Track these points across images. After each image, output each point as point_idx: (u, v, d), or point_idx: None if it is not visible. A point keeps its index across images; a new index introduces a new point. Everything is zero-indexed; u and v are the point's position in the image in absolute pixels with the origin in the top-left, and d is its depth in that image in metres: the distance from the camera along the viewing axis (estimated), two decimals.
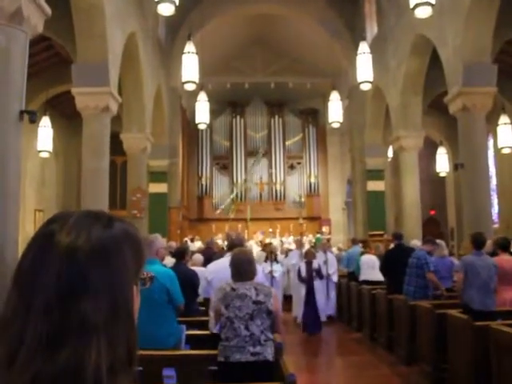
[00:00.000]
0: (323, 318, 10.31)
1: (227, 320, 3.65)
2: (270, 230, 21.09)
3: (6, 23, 6.47)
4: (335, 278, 11.52)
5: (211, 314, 3.78)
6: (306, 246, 13.74)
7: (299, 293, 10.50)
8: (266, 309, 3.62)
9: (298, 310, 10.71)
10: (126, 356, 0.75)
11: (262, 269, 6.73)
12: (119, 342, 0.74)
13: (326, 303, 10.97)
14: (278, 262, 11.57)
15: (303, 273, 10.07)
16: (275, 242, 18.40)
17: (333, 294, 11.49)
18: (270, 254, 11.28)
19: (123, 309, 0.76)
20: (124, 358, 0.75)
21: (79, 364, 0.69)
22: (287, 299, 12.76)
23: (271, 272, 10.84)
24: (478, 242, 6.32)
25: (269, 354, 3.59)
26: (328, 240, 16.75)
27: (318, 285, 10.25)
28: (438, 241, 8.69)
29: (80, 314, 0.71)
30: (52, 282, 0.72)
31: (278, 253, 13.97)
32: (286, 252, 14.31)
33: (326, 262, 11.02)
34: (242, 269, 3.78)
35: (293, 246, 17.47)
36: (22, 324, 0.71)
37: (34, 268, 0.74)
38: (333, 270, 11.35)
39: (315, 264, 10.17)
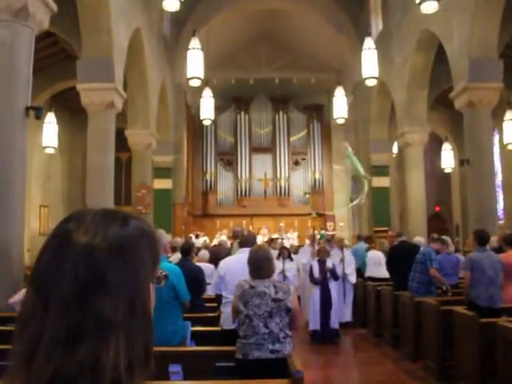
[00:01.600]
0: (336, 325, 8.86)
1: (246, 318, 3.65)
2: (282, 224, 20.66)
3: (12, 19, 6.49)
4: (353, 279, 10.16)
5: (223, 309, 3.79)
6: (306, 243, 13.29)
7: (311, 295, 9.04)
8: (285, 306, 3.63)
9: (309, 314, 9.14)
10: (143, 353, 0.76)
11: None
12: (137, 340, 0.75)
13: (342, 308, 9.57)
14: (291, 259, 9.95)
15: (316, 273, 8.77)
16: (287, 238, 17.81)
17: (350, 297, 10.15)
18: (283, 251, 9.70)
19: (140, 307, 0.77)
20: (141, 356, 0.75)
21: (98, 361, 0.70)
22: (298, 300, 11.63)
23: (284, 271, 9.27)
24: (481, 239, 6.31)
25: (287, 350, 3.60)
26: (333, 236, 16.72)
27: (333, 287, 8.89)
28: (443, 237, 8.66)
29: (98, 312, 0.72)
30: (70, 281, 0.72)
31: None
32: (295, 249, 13.32)
33: (342, 261, 9.84)
34: (261, 266, 3.77)
35: (296, 242, 17.50)
36: (40, 322, 0.72)
37: (52, 267, 0.74)
38: (350, 270, 10.07)
39: (329, 263, 8.87)
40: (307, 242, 12.05)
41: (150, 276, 0.81)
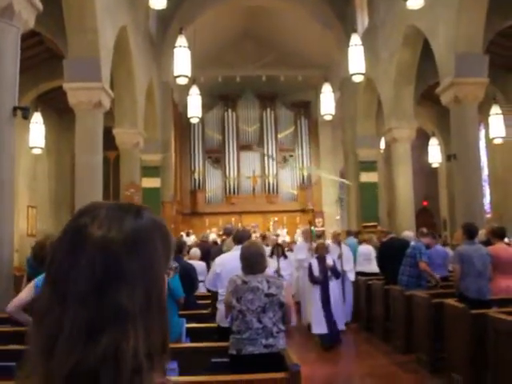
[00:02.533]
0: (341, 327, 8.25)
1: (239, 313, 3.66)
2: (276, 219, 20.33)
3: None
4: (352, 277, 9.64)
5: (219, 307, 3.80)
6: (299, 240, 12.99)
7: (312, 296, 8.29)
8: (278, 301, 3.65)
9: (310, 316, 8.53)
10: (160, 342, 0.77)
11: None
12: (154, 330, 0.76)
13: (343, 308, 8.92)
14: (285, 257, 9.30)
15: (316, 271, 8.04)
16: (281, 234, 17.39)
17: (350, 296, 9.65)
18: (277, 248, 9.04)
19: (156, 298, 0.78)
20: (158, 346, 0.77)
21: (118, 351, 0.71)
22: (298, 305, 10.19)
23: (278, 271, 8.59)
24: (469, 232, 6.38)
25: (281, 345, 3.62)
26: (323, 232, 16.78)
27: (334, 286, 8.20)
28: (423, 229, 8.85)
29: (116, 303, 0.72)
30: (87, 275, 0.73)
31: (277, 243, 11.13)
32: (288, 246, 12.61)
33: (340, 257, 9.28)
34: (254, 261, 3.78)
35: (287, 239, 17.50)
36: (58, 315, 0.72)
37: (68, 261, 0.75)
38: (349, 267, 9.54)
39: (329, 260, 8.15)
40: (299, 238, 11.75)
41: (164, 267, 0.82)
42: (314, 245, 8.98)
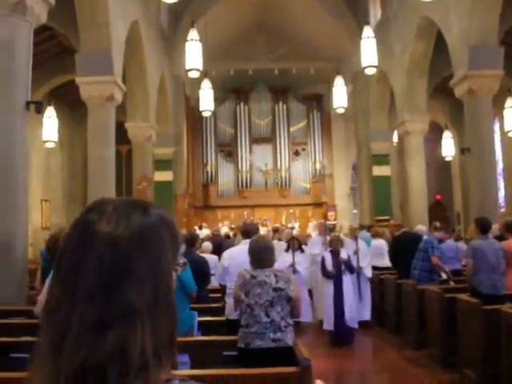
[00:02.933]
0: (353, 324, 7.86)
1: (247, 307, 3.68)
2: (291, 211, 20.08)
3: (10, 13, 6.46)
4: (369, 273, 9.07)
5: (227, 300, 3.81)
6: (314, 234, 12.75)
7: (325, 291, 7.96)
8: (286, 295, 3.65)
9: (323, 312, 8.22)
10: (168, 339, 0.77)
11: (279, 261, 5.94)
12: (162, 326, 0.76)
13: (358, 305, 8.46)
14: (302, 251, 8.94)
15: (329, 265, 7.71)
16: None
17: (367, 293, 9.12)
18: (293, 242, 8.66)
19: (164, 294, 0.78)
20: (166, 342, 0.77)
21: (125, 348, 0.71)
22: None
23: (293, 265, 8.30)
24: (483, 227, 6.32)
25: (289, 339, 3.63)
26: (334, 226, 16.72)
27: (348, 281, 7.82)
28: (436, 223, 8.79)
29: (124, 300, 0.73)
30: (95, 271, 0.73)
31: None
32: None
33: (356, 252, 8.73)
34: (262, 256, 3.79)
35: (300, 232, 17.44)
36: (67, 311, 0.73)
37: (76, 257, 0.75)
38: (366, 263, 8.96)
39: (344, 254, 7.84)
40: (312, 232, 11.48)
41: (171, 263, 0.82)
42: (329, 238, 8.64)
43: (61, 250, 0.79)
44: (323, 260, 7.82)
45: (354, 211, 10.38)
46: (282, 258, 8.18)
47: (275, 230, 12.16)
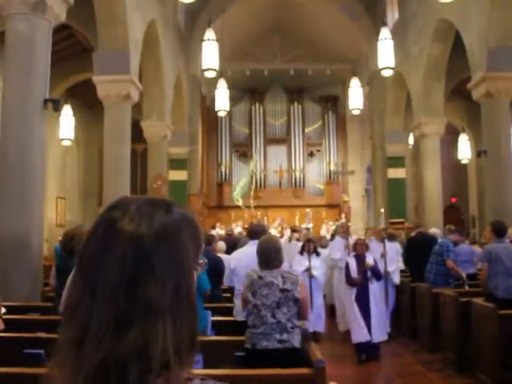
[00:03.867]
0: (382, 337, 6.98)
1: (254, 307, 3.68)
2: (308, 210, 19.69)
3: (30, 12, 6.53)
4: (397, 279, 8.36)
5: (236, 301, 3.81)
6: (328, 235, 12.43)
7: (348, 300, 7.15)
8: (292, 297, 3.64)
9: (350, 324, 7.27)
10: (189, 338, 0.77)
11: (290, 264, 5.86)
12: (183, 325, 0.76)
13: (386, 316, 7.68)
14: (318, 254, 8.11)
15: (354, 272, 6.87)
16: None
17: (392, 301, 8.43)
18: (308, 244, 7.91)
19: (186, 293, 0.78)
20: (187, 341, 0.77)
21: (146, 346, 0.71)
22: (333, 311, 9.34)
23: (309, 270, 7.66)
24: (498, 230, 6.26)
25: (296, 341, 3.62)
26: (348, 227, 16.62)
27: (375, 289, 6.99)
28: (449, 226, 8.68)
29: (146, 298, 0.73)
30: (118, 269, 0.74)
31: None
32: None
33: (383, 256, 8.08)
34: (269, 257, 3.79)
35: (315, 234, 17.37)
36: (89, 308, 0.73)
37: (99, 254, 0.76)
38: (393, 267, 8.27)
39: (370, 259, 6.99)
40: (326, 234, 10.93)
41: (193, 262, 0.82)
42: (352, 241, 7.85)
43: (83, 247, 0.79)
44: (347, 266, 6.96)
45: (382, 210, 9.93)
46: (298, 261, 7.89)
47: (294, 230, 11.45)
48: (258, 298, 3.67)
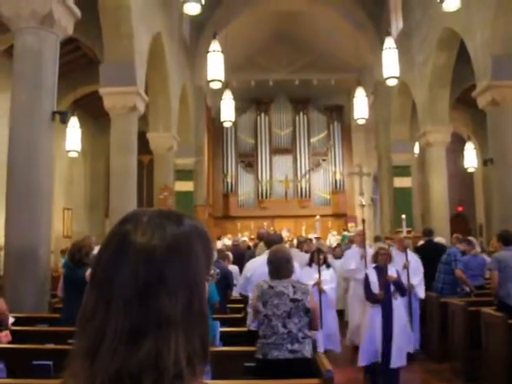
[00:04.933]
0: (401, 362, 5.77)
1: (265, 318, 3.68)
2: (318, 217, 19.21)
3: (38, 26, 6.60)
4: (421, 293, 7.40)
5: (249, 310, 3.82)
6: (334, 243, 12.12)
7: (369, 319, 5.87)
8: (303, 307, 3.64)
9: (361, 344, 6.11)
10: (201, 350, 0.78)
11: (301, 275, 5.28)
12: (195, 336, 0.77)
13: (409, 336, 6.40)
14: (328, 266, 7.23)
15: (374, 286, 5.80)
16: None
17: (417, 318, 7.47)
18: (317, 255, 6.97)
19: (198, 304, 0.79)
20: (200, 352, 0.78)
21: (160, 358, 0.72)
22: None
23: (319, 284, 6.79)
24: (505, 239, 6.29)
25: (307, 351, 3.61)
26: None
27: (399, 306, 5.88)
28: (470, 238, 8.58)
29: (158, 310, 0.74)
30: (131, 281, 0.75)
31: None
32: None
33: (406, 268, 7.18)
34: (280, 266, 3.79)
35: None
36: (102, 320, 0.74)
37: (112, 267, 0.77)
38: (418, 280, 7.34)
39: (392, 271, 5.91)
40: (334, 243, 9.85)
41: (205, 273, 0.83)
42: (370, 251, 6.88)
43: (97, 259, 0.81)
44: (366, 279, 5.94)
45: (403, 216, 9.05)
46: (306, 274, 6.66)
47: (306, 241, 10.31)
48: (269, 307, 3.67)
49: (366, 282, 5.91)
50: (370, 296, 5.84)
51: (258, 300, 3.75)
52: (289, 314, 3.62)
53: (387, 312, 5.73)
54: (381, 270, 5.90)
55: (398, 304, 5.87)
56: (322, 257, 7.06)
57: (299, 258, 7.76)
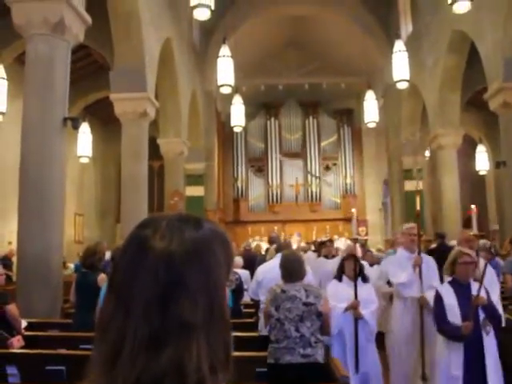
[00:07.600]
0: None
1: (277, 322, 3.65)
2: (354, 210, 17.53)
3: (50, 33, 6.66)
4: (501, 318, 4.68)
5: (261, 315, 3.80)
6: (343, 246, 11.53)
7: (444, 361, 3.87)
8: (315, 310, 3.61)
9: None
10: (223, 355, 0.76)
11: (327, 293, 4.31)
12: (217, 342, 0.76)
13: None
14: (365, 279, 4.89)
15: (455, 313, 3.78)
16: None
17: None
18: (350, 264, 4.81)
19: (219, 309, 0.77)
20: (222, 358, 0.76)
21: (181, 364, 0.71)
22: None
23: (356, 307, 4.58)
24: None
25: (319, 355, 3.57)
26: (365, 241, 16.51)
27: (490, 345, 3.72)
28: (482, 241, 8.50)
29: (179, 315, 0.73)
30: (150, 286, 0.74)
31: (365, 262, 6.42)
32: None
33: (480, 281, 3.91)
34: (292, 270, 3.77)
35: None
36: (122, 326, 0.73)
37: (131, 273, 0.76)
38: (495, 298, 4.40)
39: (481, 291, 3.80)
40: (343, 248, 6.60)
41: (225, 278, 0.81)
42: (426, 259, 5.29)
43: (115, 265, 0.80)
44: (439, 301, 3.92)
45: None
46: (334, 292, 4.68)
47: (320, 244, 8.83)
48: (281, 311, 3.63)
49: (439, 306, 3.88)
50: (447, 329, 3.81)
51: (270, 304, 3.73)
52: (301, 318, 3.59)
53: (478, 353, 3.67)
54: (463, 288, 3.88)
55: (490, 341, 3.75)
56: (357, 266, 4.75)
57: (321, 267, 6.64)
